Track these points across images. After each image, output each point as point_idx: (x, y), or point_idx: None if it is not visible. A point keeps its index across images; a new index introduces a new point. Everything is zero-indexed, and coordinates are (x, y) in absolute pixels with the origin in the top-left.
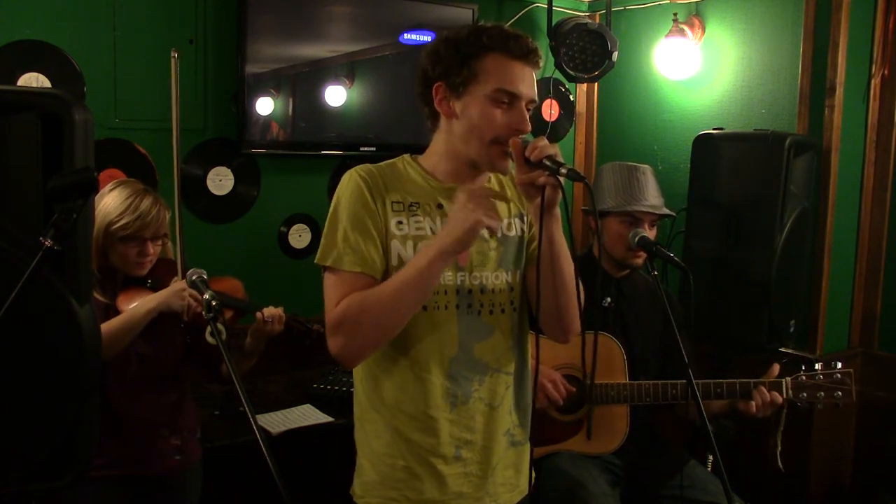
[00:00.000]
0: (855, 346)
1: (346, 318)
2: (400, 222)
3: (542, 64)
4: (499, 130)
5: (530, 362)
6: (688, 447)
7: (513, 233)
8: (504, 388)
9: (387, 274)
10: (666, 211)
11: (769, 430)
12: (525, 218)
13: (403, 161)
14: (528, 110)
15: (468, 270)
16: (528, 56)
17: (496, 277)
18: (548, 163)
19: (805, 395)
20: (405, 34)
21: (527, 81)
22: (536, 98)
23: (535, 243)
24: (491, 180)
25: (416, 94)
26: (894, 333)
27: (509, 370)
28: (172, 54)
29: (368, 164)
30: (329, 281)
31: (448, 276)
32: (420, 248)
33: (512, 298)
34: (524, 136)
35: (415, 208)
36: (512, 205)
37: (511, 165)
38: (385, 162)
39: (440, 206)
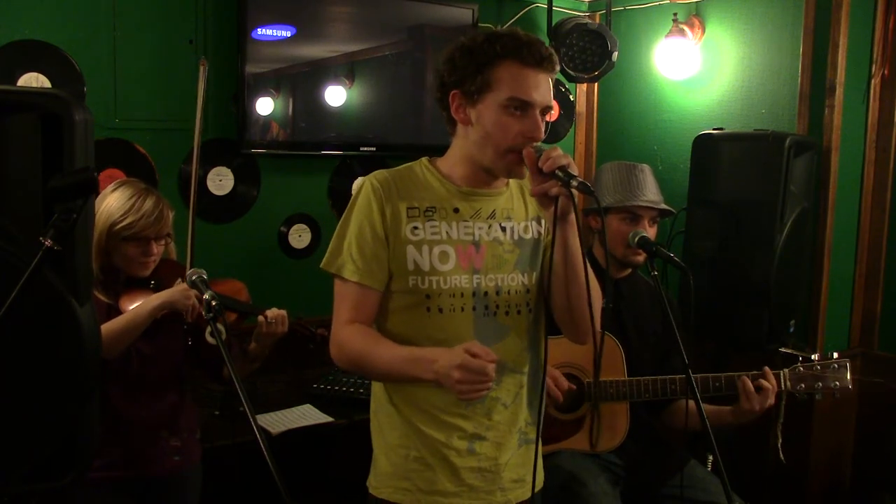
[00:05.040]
0: (855, 346)
1: (347, 353)
2: (415, 228)
3: (557, 68)
4: (513, 139)
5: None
6: (688, 447)
7: (529, 235)
8: (518, 388)
9: (403, 279)
10: (665, 206)
11: (769, 425)
12: (542, 221)
13: (421, 165)
14: (543, 117)
15: (484, 273)
16: (542, 63)
17: (512, 279)
18: (559, 174)
19: (803, 386)
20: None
21: (541, 89)
22: (551, 104)
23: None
24: (509, 184)
25: (435, 100)
26: (894, 333)
27: (524, 370)
28: (202, 64)
29: (384, 171)
30: (337, 288)
31: (464, 279)
32: (435, 255)
33: (528, 300)
34: (538, 143)
35: (431, 213)
36: (529, 207)
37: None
38: (403, 166)
39: (456, 210)
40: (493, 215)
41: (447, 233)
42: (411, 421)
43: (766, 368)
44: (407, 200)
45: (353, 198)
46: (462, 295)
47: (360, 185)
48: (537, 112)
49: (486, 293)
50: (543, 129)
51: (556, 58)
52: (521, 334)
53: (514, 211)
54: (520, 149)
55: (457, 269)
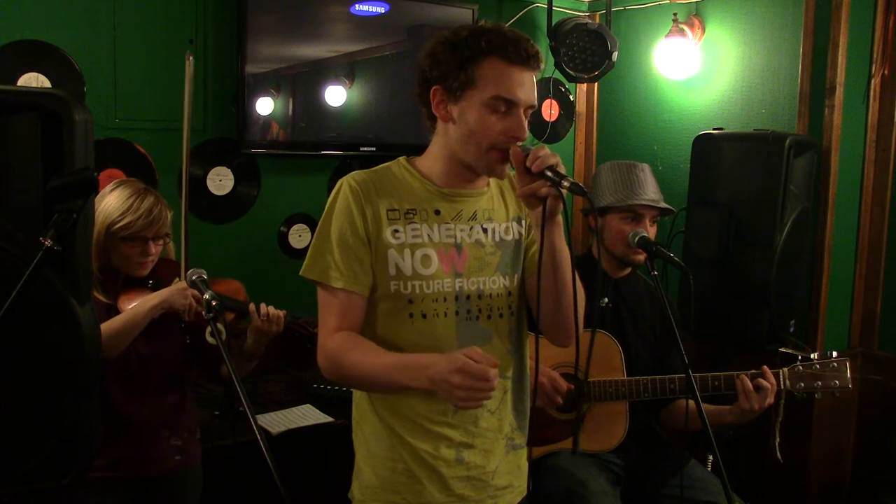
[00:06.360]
0: (855, 346)
1: (333, 360)
2: (396, 231)
3: (543, 67)
4: (496, 137)
5: (529, 364)
6: (688, 447)
7: (510, 237)
8: (502, 393)
9: (384, 283)
10: (665, 205)
11: (768, 424)
12: (523, 222)
13: (399, 165)
14: (527, 115)
15: (466, 276)
16: (528, 61)
17: (494, 282)
18: (550, 174)
19: (802, 385)
20: (356, 5)
21: (525, 87)
22: (536, 103)
23: (535, 248)
24: (490, 185)
25: (414, 95)
26: (894, 333)
27: (508, 374)
28: (187, 57)
29: (362, 172)
30: (320, 296)
31: (447, 283)
32: (417, 258)
33: (510, 303)
34: (523, 142)
35: (411, 215)
36: (510, 208)
37: (510, 170)
38: (380, 166)
39: (438, 212)
40: (474, 217)
41: (428, 235)
42: (397, 431)
43: (765, 367)
44: (387, 202)
45: (330, 200)
46: (445, 299)
47: (338, 188)
48: (521, 111)
49: (468, 297)
50: (527, 128)
51: (541, 56)
52: (503, 338)
53: (495, 212)
54: (502, 146)
55: (439, 273)
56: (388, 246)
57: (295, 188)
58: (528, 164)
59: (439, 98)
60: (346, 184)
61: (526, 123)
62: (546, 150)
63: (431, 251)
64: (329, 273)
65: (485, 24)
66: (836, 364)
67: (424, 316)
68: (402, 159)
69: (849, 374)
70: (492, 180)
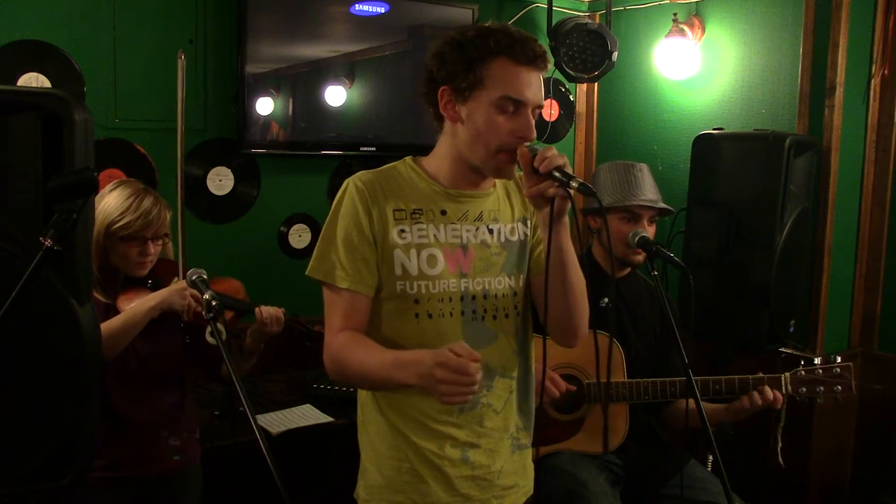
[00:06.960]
0: (855, 346)
1: (337, 359)
2: (402, 231)
3: (549, 67)
4: (504, 138)
5: (534, 366)
6: (688, 447)
7: (515, 237)
8: (508, 393)
9: (390, 283)
10: (664, 205)
11: (769, 428)
12: (528, 222)
13: (406, 164)
14: (535, 115)
15: (471, 276)
16: (536, 61)
17: (499, 283)
18: (558, 175)
19: (804, 389)
20: (356, 5)
21: (533, 87)
22: (543, 103)
23: (540, 248)
24: (496, 185)
25: (421, 95)
26: (894, 333)
27: (513, 374)
28: (179, 56)
29: (368, 172)
30: (326, 296)
31: (452, 283)
32: (423, 258)
33: (515, 303)
34: (531, 142)
35: (418, 215)
36: (515, 209)
37: (518, 170)
38: (386, 166)
39: (444, 213)
40: (480, 217)
41: (435, 236)
42: (402, 431)
43: (777, 394)
44: (393, 202)
45: (336, 200)
46: (450, 300)
47: (344, 188)
48: (529, 111)
49: (473, 297)
50: (534, 128)
51: (548, 55)
52: (509, 338)
53: (501, 213)
54: (511, 148)
55: (445, 273)
56: (395, 246)
57: (295, 188)
58: (535, 164)
59: (447, 98)
60: (352, 184)
61: (533, 123)
62: (553, 150)
63: (437, 251)
64: (334, 273)
65: (491, 24)
66: (839, 370)
67: (430, 316)
68: (408, 159)
69: (853, 381)
70: (497, 181)
